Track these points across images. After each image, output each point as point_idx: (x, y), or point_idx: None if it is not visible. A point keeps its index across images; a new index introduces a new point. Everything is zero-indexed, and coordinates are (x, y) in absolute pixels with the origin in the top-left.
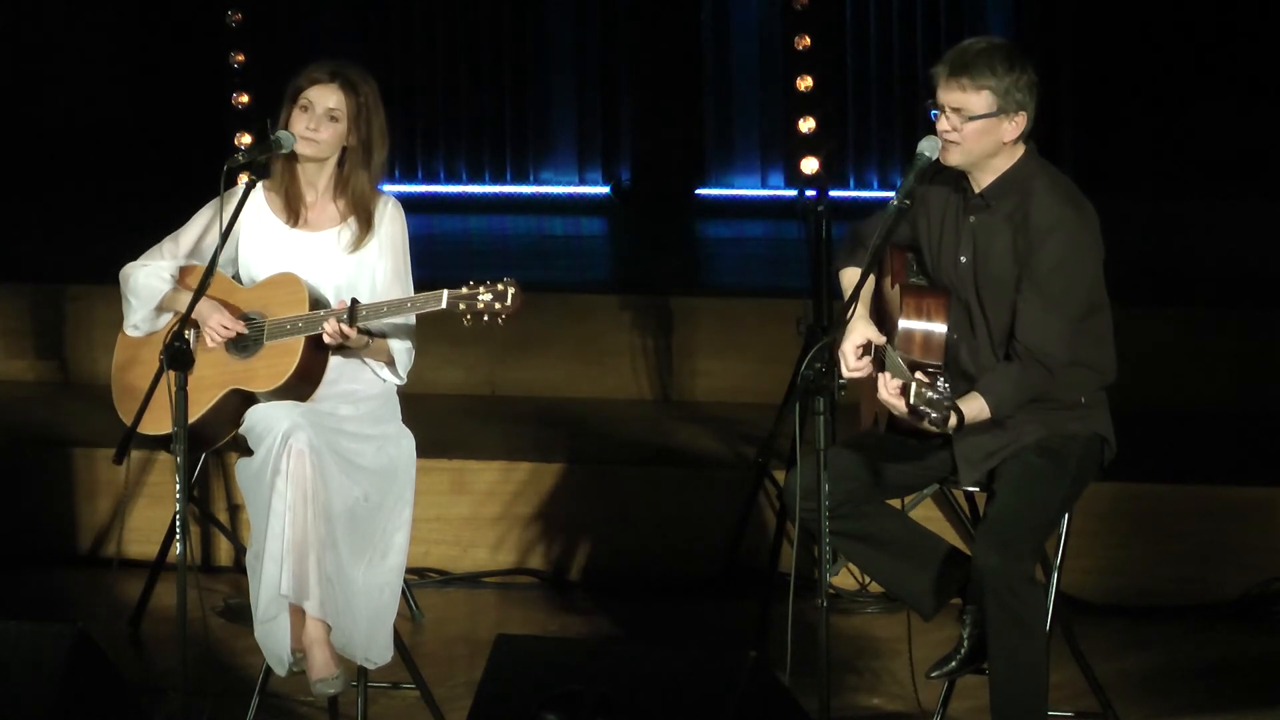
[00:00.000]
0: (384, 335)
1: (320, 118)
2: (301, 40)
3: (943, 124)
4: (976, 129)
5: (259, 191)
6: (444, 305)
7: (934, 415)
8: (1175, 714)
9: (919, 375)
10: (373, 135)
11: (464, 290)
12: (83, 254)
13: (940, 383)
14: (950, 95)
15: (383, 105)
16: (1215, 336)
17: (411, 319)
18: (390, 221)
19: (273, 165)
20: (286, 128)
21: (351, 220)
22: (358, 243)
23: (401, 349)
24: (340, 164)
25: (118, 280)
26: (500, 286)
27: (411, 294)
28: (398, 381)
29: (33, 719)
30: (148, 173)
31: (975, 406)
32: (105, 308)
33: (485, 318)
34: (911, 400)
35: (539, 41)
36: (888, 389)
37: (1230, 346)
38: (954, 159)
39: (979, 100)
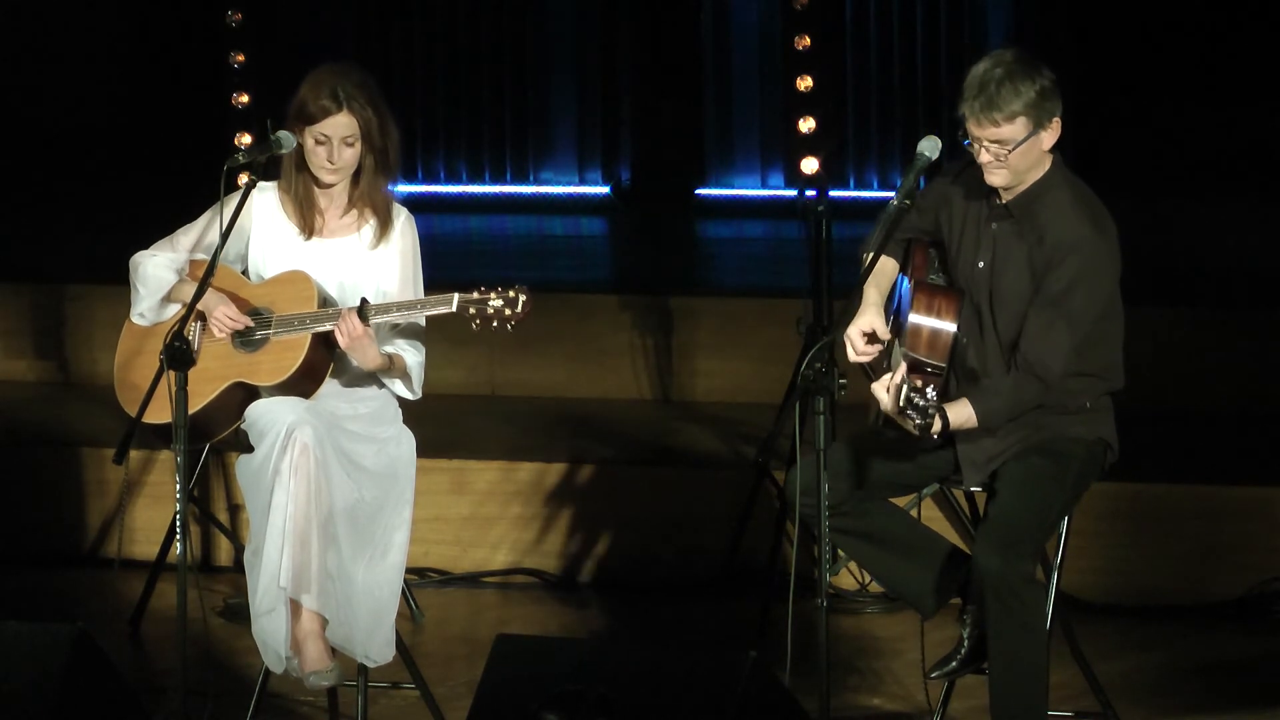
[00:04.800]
0: (399, 350)
1: (338, 147)
2: (301, 40)
3: (985, 156)
4: (1021, 152)
5: (273, 192)
6: (454, 308)
7: (917, 421)
8: (1175, 714)
9: (914, 378)
10: (388, 144)
11: (475, 295)
12: (83, 254)
13: (930, 391)
14: (986, 132)
15: (383, 98)
16: (1215, 336)
17: (421, 326)
18: (402, 236)
19: (287, 174)
20: (300, 155)
21: (371, 222)
22: (378, 240)
23: (415, 364)
24: (355, 175)
25: (117, 280)
26: (511, 293)
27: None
28: (412, 397)
29: (33, 719)
30: (147, 173)
31: (963, 414)
32: (105, 308)
33: (494, 323)
34: (900, 402)
35: (539, 41)
36: (881, 383)
37: (1230, 346)
38: (1000, 180)
39: (1016, 128)
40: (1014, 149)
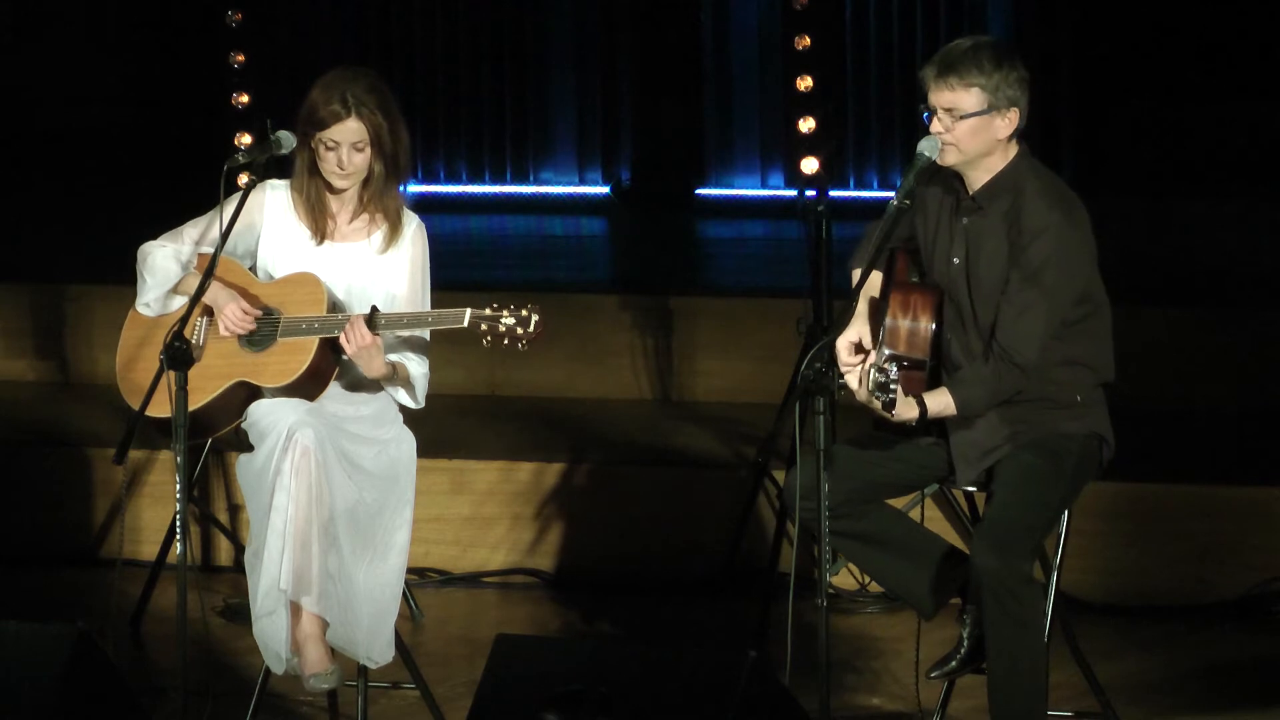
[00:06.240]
0: (404, 360)
1: (348, 153)
2: (301, 40)
3: (936, 125)
4: (969, 127)
5: (285, 191)
6: (465, 324)
7: (881, 398)
8: (1175, 714)
9: (880, 363)
10: (399, 149)
11: (487, 311)
12: (83, 254)
13: (893, 369)
14: (940, 96)
15: (395, 103)
16: (1215, 336)
17: (427, 338)
18: (413, 243)
19: (299, 177)
20: (312, 160)
21: (382, 227)
22: (387, 245)
23: (419, 374)
24: (366, 180)
25: (117, 280)
26: (524, 312)
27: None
28: (414, 406)
29: (33, 719)
30: (147, 173)
31: (941, 402)
32: (105, 308)
33: (506, 341)
34: (870, 385)
35: (539, 41)
36: (853, 373)
37: (1230, 346)
38: (949, 159)
39: (969, 98)
40: (962, 118)
